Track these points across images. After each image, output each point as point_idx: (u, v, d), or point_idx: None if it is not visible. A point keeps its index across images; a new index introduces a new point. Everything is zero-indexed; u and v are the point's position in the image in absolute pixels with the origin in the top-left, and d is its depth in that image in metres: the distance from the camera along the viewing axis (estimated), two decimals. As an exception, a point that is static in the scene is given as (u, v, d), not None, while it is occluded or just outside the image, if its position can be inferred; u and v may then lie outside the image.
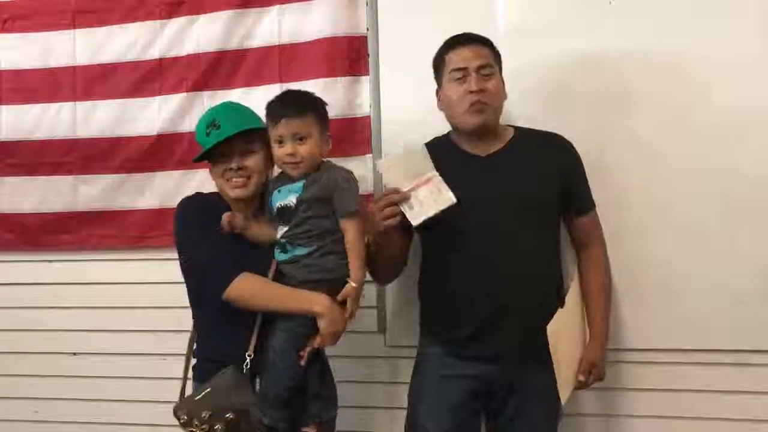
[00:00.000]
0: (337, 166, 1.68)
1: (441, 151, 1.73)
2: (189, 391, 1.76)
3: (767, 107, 1.84)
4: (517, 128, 1.79)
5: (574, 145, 1.79)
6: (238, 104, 1.84)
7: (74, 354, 2.39)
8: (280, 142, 1.63)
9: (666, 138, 1.90)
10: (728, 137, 1.86)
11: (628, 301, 1.90)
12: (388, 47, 2.08)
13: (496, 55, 1.73)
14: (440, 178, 1.58)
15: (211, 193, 1.77)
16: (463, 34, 1.74)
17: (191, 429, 1.63)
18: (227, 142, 1.64)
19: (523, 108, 1.88)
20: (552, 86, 1.95)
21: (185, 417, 1.64)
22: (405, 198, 1.57)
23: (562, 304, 1.72)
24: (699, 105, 1.88)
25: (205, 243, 1.64)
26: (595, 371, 1.74)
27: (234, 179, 1.67)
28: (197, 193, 1.81)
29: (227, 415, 1.61)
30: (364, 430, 2.16)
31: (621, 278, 1.88)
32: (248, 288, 1.61)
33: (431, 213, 1.56)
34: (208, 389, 1.63)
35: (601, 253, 1.82)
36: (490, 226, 1.66)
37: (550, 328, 1.65)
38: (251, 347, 1.64)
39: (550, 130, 1.80)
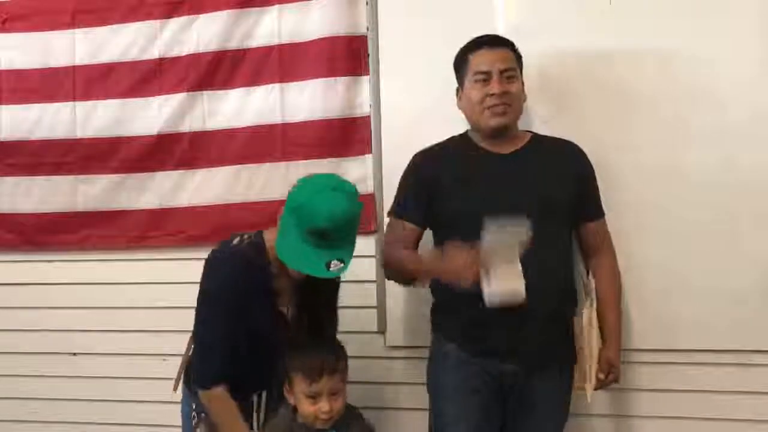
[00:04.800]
0: (361, 416, 1.68)
1: (459, 149, 1.76)
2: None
3: (767, 107, 1.84)
4: (533, 133, 1.81)
5: (575, 146, 1.79)
6: (350, 209, 1.47)
7: (74, 354, 2.39)
8: (313, 397, 1.58)
9: (666, 138, 1.90)
10: (728, 137, 1.86)
11: (629, 301, 1.90)
12: (388, 47, 2.08)
13: (518, 58, 1.75)
14: (521, 269, 1.56)
15: (249, 243, 1.59)
16: (488, 36, 1.74)
17: None
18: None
19: (522, 109, 1.88)
20: (551, 87, 1.95)
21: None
22: (487, 272, 1.56)
23: (591, 303, 1.74)
24: (699, 105, 1.88)
25: (216, 327, 1.59)
26: (613, 371, 1.75)
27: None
28: (237, 251, 1.57)
29: None
30: (364, 430, 2.16)
31: (621, 279, 1.86)
32: (216, 408, 1.61)
33: (504, 299, 1.54)
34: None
35: (611, 258, 1.83)
36: None
37: (582, 323, 1.66)
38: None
39: (549, 130, 1.83)
